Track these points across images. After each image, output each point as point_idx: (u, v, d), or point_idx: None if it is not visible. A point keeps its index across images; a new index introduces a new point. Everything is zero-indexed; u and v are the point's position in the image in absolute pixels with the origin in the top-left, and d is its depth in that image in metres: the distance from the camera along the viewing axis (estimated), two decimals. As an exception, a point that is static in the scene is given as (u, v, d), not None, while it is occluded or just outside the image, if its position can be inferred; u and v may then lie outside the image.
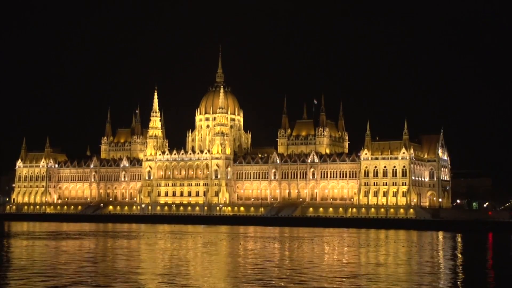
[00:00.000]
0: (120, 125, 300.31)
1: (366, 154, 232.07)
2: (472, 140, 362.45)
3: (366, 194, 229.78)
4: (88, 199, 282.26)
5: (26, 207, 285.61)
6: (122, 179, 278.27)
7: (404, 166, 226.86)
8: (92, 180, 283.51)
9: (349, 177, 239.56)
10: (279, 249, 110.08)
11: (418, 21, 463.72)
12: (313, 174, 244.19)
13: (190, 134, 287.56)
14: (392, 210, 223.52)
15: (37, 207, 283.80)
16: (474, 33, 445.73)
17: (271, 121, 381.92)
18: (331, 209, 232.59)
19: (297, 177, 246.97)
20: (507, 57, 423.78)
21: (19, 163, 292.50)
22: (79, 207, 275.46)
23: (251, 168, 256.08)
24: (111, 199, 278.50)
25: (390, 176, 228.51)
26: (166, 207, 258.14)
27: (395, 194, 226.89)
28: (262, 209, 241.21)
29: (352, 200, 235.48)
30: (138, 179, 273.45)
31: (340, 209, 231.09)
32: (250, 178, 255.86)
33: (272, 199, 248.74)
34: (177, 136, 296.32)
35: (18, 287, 59.72)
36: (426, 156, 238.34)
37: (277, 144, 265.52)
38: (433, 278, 70.90)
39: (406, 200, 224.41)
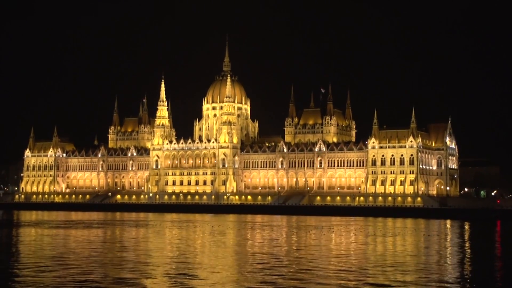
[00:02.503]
0: (128, 115, 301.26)
1: (373, 142, 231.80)
2: (480, 128, 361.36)
3: (374, 183, 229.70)
4: (96, 188, 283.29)
5: (34, 196, 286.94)
6: (130, 168, 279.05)
7: (411, 155, 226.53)
8: (100, 169, 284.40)
9: (357, 165, 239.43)
10: (307, 238, 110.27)
11: (426, 9, 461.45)
12: (320, 163, 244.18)
13: (197, 123, 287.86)
14: (399, 198, 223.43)
15: (46, 196, 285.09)
16: (482, 21, 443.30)
17: (278, 110, 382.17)
18: (338, 197, 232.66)
19: (304, 166, 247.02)
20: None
21: (27, 153, 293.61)
22: (87, 196, 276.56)
23: (258, 157, 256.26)
24: (119, 188, 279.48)
25: (398, 164, 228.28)
26: (173, 196, 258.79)
27: (402, 183, 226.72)
28: (269, 197, 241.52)
29: (359, 188, 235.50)
30: (145, 168, 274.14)
31: (348, 197, 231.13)
32: (257, 167, 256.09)
33: (279, 188, 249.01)
34: (184, 125, 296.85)
35: (27, 277, 60.07)
36: (433, 144, 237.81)
37: (284, 133, 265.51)
38: (443, 267, 71.03)
39: (414, 189, 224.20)
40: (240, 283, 57.79)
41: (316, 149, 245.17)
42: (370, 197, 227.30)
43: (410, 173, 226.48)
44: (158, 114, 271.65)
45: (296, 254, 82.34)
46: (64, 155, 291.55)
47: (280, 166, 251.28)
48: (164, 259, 75.34)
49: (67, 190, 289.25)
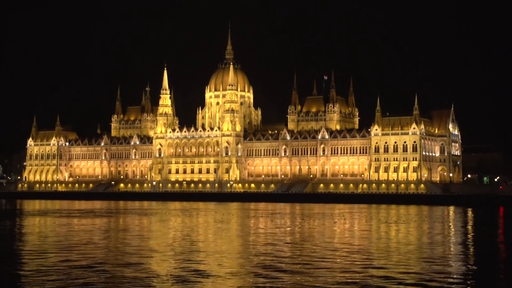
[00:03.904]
0: (130, 103, 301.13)
1: (376, 129, 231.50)
2: (483, 114, 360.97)
3: (377, 170, 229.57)
4: (99, 177, 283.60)
5: (37, 185, 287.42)
6: (133, 157, 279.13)
7: (414, 142, 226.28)
8: (103, 158, 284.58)
9: (360, 153, 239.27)
10: (326, 226, 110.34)
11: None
12: (324, 150, 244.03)
13: (200, 111, 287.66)
14: (402, 185, 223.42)
15: (49, 185, 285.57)
16: (485, 6, 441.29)
17: (281, 98, 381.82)
18: (341, 185, 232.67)
19: (307, 154, 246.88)
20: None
21: (30, 142, 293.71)
22: (90, 185, 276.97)
23: (261, 145, 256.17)
24: (122, 177, 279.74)
25: (401, 151, 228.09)
26: (177, 185, 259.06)
27: (405, 170, 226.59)
28: (272, 185, 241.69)
29: (362, 176, 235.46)
30: (148, 157, 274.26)
31: (351, 185, 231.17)
32: (261, 155, 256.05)
33: (282, 176, 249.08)
34: (187, 113, 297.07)
35: (30, 266, 60.24)
36: (436, 131, 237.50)
37: (287, 120, 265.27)
38: (445, 249, 71.07)
39: (417, 176, 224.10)
40: (245, 271, 57.88)
41: (319, 137, 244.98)
42: (373, 184, 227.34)
43: (413, 160, 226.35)
44: (161, 102, 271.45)
45: (313, 243, 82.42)
46: (67, 144, 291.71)
47: (283, 154, 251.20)
48: (168, 247, 75.47)
49: (70, 179, 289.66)
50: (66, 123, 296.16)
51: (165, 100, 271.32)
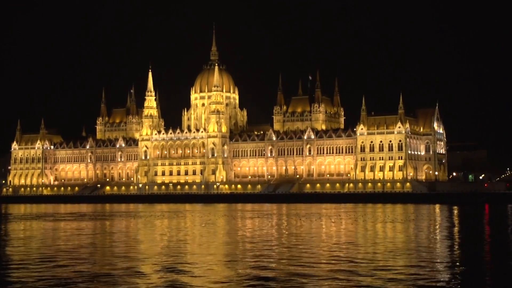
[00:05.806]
0: (115, 105, 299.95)
1: (362, 129, 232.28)
2: (467, 113, 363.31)
3: (363, 169, 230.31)
4: (85, 180, 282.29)
5: (22, 189, 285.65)
6: (119, 159, 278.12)
7: (400, 140, 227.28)
8: (89, 161, 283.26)
9: (346, 152, 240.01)
10: (326, 226, 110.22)
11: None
12: (310, 151, 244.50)
13: (185, 113, 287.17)
14: (388, 184, 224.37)
15: (34, 189, 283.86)
16: (468, 6, 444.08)
17: (267, 98, 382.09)
18: (328, 184, 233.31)
19: (293, 154, 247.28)
20: (501, 28, 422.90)
21: (14, 145, 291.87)
22: (76, 188, 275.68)
23: (247, 146, 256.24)
24: (108, 179, 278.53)
25: (386, 150, 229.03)
26: (163, 187, 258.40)
27: (391, 169, 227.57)
28: (259, 186, 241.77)
29: (348, 175, 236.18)
30: (134, 159, 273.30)
31: (337, 184, 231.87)
32: (247, 156, 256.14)
33: (269, 176, 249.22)
34: (172, 115, 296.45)
35: (16, 271, 59.73)
36: (421, 129, 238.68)
37: (273, 121, 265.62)
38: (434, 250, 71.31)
39: (403, 174, 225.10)
40: (233, 272, 57.72)
41: (305, 137, 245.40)
42: (360, 183, 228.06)
43: (399, 159, 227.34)
44: (146, 104, 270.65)
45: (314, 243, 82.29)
46: (52, 147, 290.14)
47: (269, 155, 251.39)
48: (155, 249, 75.14)
49: (56, 183, 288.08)
50: (50, 126, 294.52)
51: (150, 102, 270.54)
